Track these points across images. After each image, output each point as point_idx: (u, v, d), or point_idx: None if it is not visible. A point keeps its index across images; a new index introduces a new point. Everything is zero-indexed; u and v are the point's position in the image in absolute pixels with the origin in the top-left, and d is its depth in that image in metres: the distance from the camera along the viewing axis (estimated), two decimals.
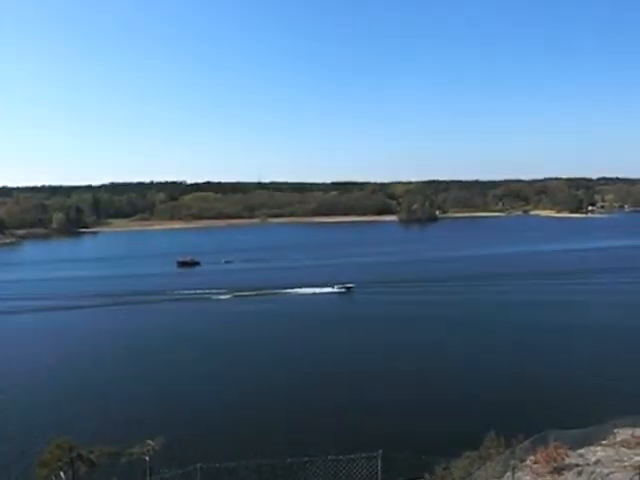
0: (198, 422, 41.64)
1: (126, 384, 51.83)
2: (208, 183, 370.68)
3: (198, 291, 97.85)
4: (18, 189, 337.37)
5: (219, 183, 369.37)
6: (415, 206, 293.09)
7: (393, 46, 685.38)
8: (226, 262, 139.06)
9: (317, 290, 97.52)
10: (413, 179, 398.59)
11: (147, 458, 21.66)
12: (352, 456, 13.41)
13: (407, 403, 44.50)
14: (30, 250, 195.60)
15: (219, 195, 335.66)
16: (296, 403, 45.32)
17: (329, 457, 13.43)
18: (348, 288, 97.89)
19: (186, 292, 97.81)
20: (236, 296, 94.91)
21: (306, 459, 13.75)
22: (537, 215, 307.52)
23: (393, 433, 36.54)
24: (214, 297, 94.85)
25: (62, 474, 20.69)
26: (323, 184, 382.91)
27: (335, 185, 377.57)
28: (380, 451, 13.39)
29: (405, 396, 46.06)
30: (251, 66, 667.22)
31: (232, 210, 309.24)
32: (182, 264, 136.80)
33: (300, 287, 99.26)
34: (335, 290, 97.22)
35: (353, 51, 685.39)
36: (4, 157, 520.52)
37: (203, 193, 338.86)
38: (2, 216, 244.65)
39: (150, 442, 22.30)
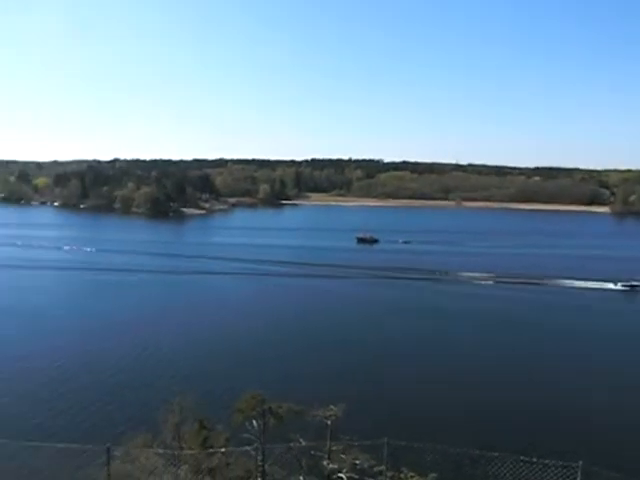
0: (386, 397, 42.36)
1: (321, 349, 55.20)
2: (405, 162, 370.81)
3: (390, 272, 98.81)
4: (232, 161, 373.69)
5: (415, 163, 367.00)
6: (633, 197, 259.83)
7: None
8: (404, 242, 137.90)
9: (590, 285, 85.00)
10: (632, 167, 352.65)
11: (329, 422, 22.10)
12: (547, 461, 12.12)
13: (621, 417, 40.25)
14: (239, 217, 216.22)
15: (415, 175, 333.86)
16: (502, 399, 43.24)
17: (521, 457, 12.32)
18: (633, 286, 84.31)
19: (368, 269, 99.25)
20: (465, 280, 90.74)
21: (495, 454, 12.76)
22: None
23: (594, 444, 33.20)
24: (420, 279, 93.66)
25: (254, 422, 22.16)
26: (525, 168, 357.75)
27: (538, 170, 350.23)
28: (580, 462, 11.90)
29: (623, 410, 41.61)
30: (452, 47, 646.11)
31: (427, 191, 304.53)
32: (361, 240, 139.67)
33: (569, 279, 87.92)
34: (618, 288, 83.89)
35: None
36: (224, 132, 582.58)
37: (399, 172, 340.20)
38: (218, 185, 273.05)
39: (333, 407, 22.69)
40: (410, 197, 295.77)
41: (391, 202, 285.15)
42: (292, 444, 21.10)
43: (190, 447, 22.00)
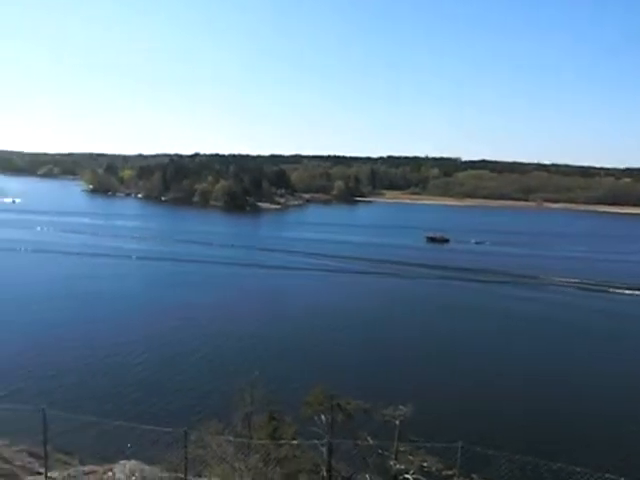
0: (458, 401, 41.19)
1: (393, 348, 54.35)
2: (483, 161, 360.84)
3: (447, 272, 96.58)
4: (307, 157, 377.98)
5: (495, 162, 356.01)
6: None
7: None
8: (476, 243, 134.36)
9: None
10: None
11: (397, 422, 21.82)
12: None
13: None
14: (313, 213, 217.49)
15: (494, 174, 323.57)
16: (591, 412, 40.64)
17: (606, 475, 11.48)
18: None
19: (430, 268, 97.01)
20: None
21: (578, 469, 11.98)
22: None
23: None
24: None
25: (322, 417, 22.23)
26: (614, 169, 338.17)
27: (629, 171, 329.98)
28: None
29: None
30: (538, 43, 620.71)
31: (506, 191, 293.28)
32: (431, 240, 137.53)
33: None
34: None
35: None
36: (300, 128, 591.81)
37: (478, 171, 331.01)
38: (293, 180, 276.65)
39: (402, 407, 22.41)
40: (488, 197, 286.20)
41: (468, 201, 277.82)
42: (359, 441, 21.00)
43: (259, 437, 22.36)
